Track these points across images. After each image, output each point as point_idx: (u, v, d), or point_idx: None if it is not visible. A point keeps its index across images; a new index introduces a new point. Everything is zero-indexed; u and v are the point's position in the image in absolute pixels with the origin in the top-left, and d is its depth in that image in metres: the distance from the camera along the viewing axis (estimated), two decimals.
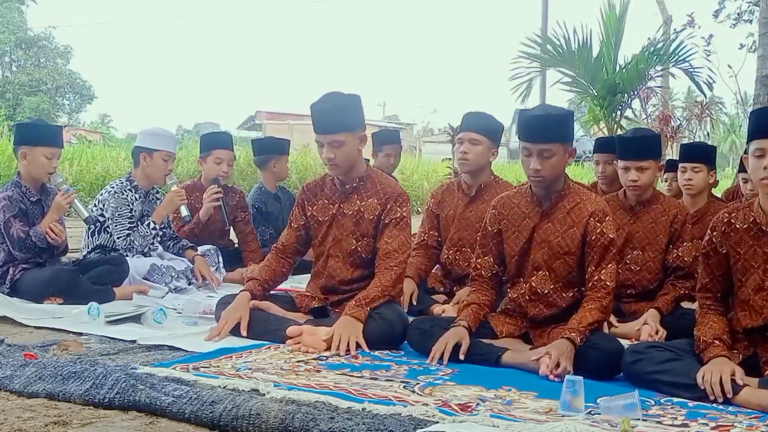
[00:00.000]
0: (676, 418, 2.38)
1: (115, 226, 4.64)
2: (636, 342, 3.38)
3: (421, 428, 2.18)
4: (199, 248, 5.01)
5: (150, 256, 4.75)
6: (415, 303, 4.12)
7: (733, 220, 2.80)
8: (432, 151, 27.33)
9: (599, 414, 2.37)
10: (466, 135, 4.26)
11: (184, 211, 4.90)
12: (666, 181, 5.53)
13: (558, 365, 2.80)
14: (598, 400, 2.43)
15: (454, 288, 4.33)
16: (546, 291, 3.18)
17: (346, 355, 3.12)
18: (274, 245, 3.77)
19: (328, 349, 3.16)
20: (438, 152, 23.70)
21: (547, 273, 3.18)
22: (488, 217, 3.34)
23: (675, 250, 3.89)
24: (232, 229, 5.59)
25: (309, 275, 3.82)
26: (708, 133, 11.13)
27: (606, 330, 3.42)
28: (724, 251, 2.81)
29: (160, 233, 4.86)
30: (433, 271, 4.60)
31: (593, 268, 3.11)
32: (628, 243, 3.93)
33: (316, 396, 2.45)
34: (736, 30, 14.37)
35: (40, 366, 2.63)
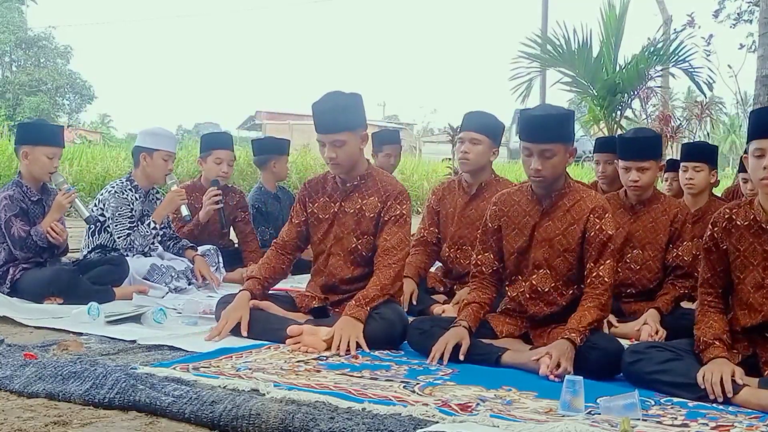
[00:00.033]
0: (676, 418, 2.38)
1: (116, 225, 4.64)
2: (636, 342, 3.38)
3: (421, 428, 2.18)
4: (199, 248, 5.01)
5: (150, 256, 4.75)
6: (415, 303, 4.12)
7: (734, 216, 2.80)
8: (432, 151, 27.33)
9: (599, 414, 2.37)
10: (466, 134, 4.26)
11: (185, 211, 4.90)
12: (666, 180, 5.53)
13: (558, 365, 2.80)
14: (598, 400, 2.43)
15: (455, 287, 4.33)
16: (546, 289, 3.18)
17: (346, 355, 3.12)
18: (275, 241, 3.77)
19: (328, 349, 3.16)
20: (438, 152, 23.71)
21: (547, 271, 3.18)
22: (489, 213, 3.34)
23: (675, 250, 3.89)
24: (232, 229, 5.59)
25: (309, 275, 3.82)
26: (708, 133, 11.14)
27: (606, 330, 3.42)
28: (724, 247, 2.81)
29: (160, 233, 4.86)
30: (433, 271, 4.61)
31: (592, 264, 3.11)
32: (628, 242, 3.94)
33: (316, 396, 2.45)
34: (736, 30, 14.38)
35: (40, 366, 2.63)
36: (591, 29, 8.98)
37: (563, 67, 9.25)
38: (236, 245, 5.65)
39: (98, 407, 2.36)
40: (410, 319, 3.45)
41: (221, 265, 5.12)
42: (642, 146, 3.89)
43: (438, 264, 4.66)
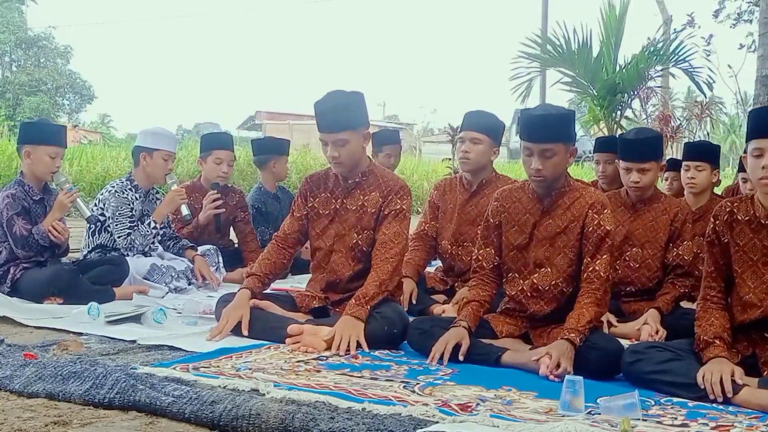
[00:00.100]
0: (676, 418, 2.38)
1: (116, 225, 4.64)
2: (636, 342, 3.39)
3: (421, 428, 2.18)
4: (199, 248, 5.02)
5: (150, 255, 4.75)
6: (414, 302, 4.12)
7: (735, 210, 2.80)
8: (432, 151, 27.33)
9: (599, 414, 2.37)
10: (467, 134, 4.26)
11: (185, 210, 4.90)
12: (667, 180, 5.53)
13: (558, 365, 2.80)
14: (598, 400, 2.43)
15: (456, 284, 4.33)
16: (547, 287, 3.18)
17: (347, 355, 3.12)
18: (276, 234, 3.76)
19: (329, 348, 3.16)
20: (438, 152, 23.72)
21: (549, 269, 3.18)
22: (490, 209, 3.34)
23: (675, 249, 3.89)
24: (231, 229, 5.59)
25: (308, 275, 3.82)
26: (708, 133, 11.15)
27: (606, 330, 3.43)
28: (725, 240, 2.82)
29: (161, 233, 4.86)
30: (433, 271, 4.61)
31: (588, 259, 3.11)
32: (627, 240, 3.94)
33: (316, 396, 2.45)
34: (736, 30, 14.35)
35: (40, 366, 2.63)
36: (591, 29, 9.01)
37: (563, 67, 9.26)
38: (236, 245, 5.65)
39: (98, 407, 2.36)
40: (410, 319, 3.45)
41: (221, 265, 5.12)
42: (643, 147, 3.89)
43: (438, 263, 4.66)
